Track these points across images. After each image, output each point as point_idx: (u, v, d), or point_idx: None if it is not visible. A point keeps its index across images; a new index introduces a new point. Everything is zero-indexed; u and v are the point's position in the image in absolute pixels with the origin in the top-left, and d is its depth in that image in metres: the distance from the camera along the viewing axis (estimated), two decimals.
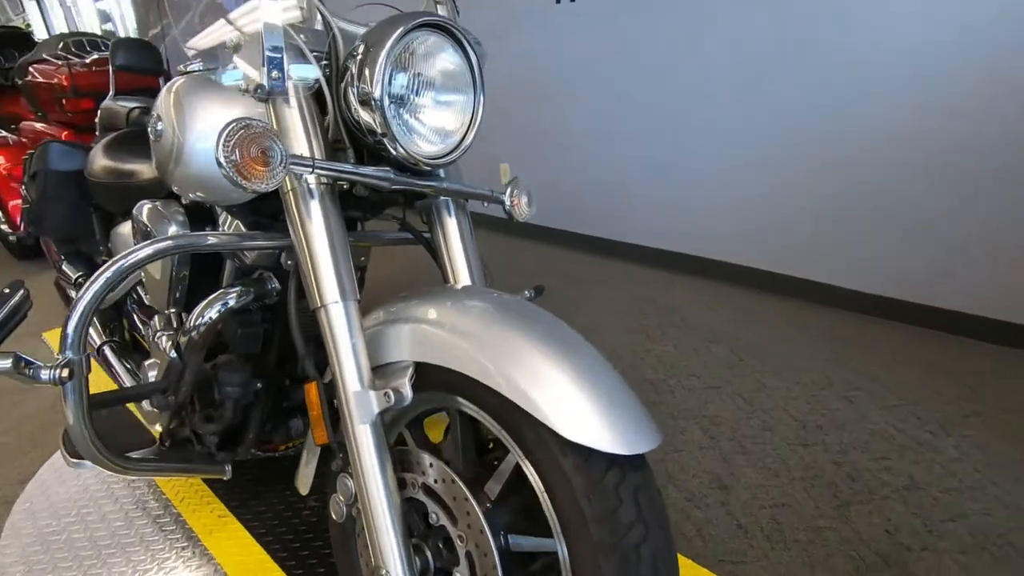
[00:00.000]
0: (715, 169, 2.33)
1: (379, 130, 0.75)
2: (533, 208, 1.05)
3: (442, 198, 0.94)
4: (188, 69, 1.03)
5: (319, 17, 0.84)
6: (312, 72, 0.80)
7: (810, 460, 1.42)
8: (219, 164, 0.63)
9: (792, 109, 2.07)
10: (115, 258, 0.77)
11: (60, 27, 7.65)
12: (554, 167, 2.88)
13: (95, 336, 1.46)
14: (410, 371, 0.73)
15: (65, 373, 0.73)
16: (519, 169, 3.09)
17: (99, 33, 6.06)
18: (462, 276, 0.93)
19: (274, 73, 0.74)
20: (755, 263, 2.34)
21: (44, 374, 0.72)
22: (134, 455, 0.91)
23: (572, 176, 2.84)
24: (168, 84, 0.98)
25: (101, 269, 0.77)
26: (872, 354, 1.87)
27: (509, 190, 1.01)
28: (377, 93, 0.73)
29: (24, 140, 3.18)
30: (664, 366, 1.87)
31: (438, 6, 1.02)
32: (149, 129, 1.00)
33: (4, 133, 3.32)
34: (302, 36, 0.86)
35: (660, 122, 2.44)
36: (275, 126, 0.78)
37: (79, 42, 3.18)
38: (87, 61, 2.99)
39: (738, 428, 1.55)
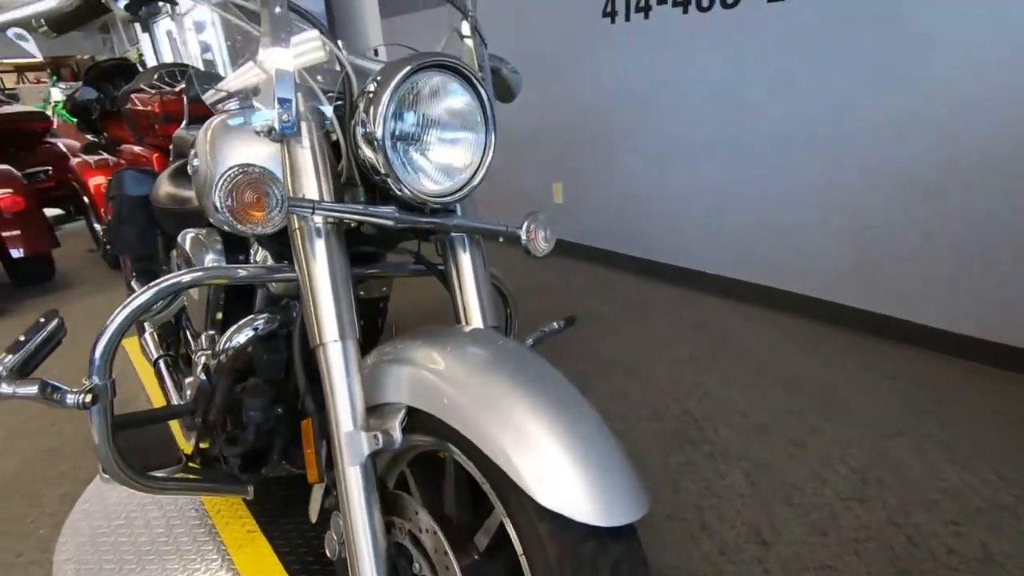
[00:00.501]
0: (782, 194, 2.20)
1: (382, 170, 0.76)
2: (551, 244, 1.02)
3: (454, 233, 0.93)
4: (225, 108, 1.09)
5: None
6: (324, 112, 0.82)
7: (866, 519, 1.28)
8: (216, 209, 0.66)
9: (870, 133, 1.92)
10: (140, 290, 0.82)
11: (167, 58, 8.44)
12: (611, 187, 2.83)
13: (152, 349, 1.56)
14: (402, 414, 0.73)
15: (88, 399, 0.78)
16: (574, 189, 3.06)
17: (198, 64, 6.63)
18: (473, 315, 0.92)
19: (284, 116, 0.76)
20: (820, 294, 2.18)
21: (70, 399, 0.77)
22: (158, 474, 0.96)
23: (628, 197, 2.77)
24: (207, 122, 1.04)
25: (129, 299, 0.82)
26: (952, 401, 1.68)
27: (526, 225, 0.98)
28: (379, 133, 0.74)
29: (122, 162, 3.51)
30: (710, 400, 1.77)
31: (464, 39, 1.03)
32: (189, 162, 1.07)
33: (108, 156, 3.68)
34: (320, 77, 0.88)
35: (723, 146, 2.34)
36: (288, 166, 0.81)
37: (172, 72, 3.48)
38: (176, 90, 3.26)
39: (786, 476, 1.43)
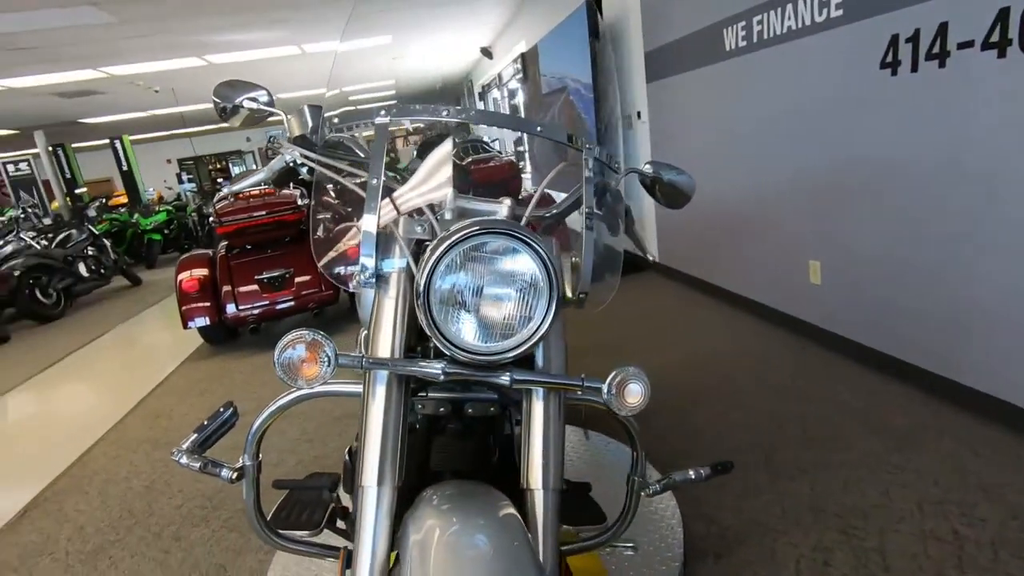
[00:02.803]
0: None
1: (426, 329, 0.79)
2: (644, 402, 0.88)
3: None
4: None
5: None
6: (400, 264, 0.90)
7: None
8: (275, 365, 0.78)
9: None
10: (286, 394, 1.02)
11: None
12: (888, 273, 2.24)
13: None
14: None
15: (235, 476, 1.02)
16: (834, 271, 2.52)
17: None
18: (534, 476, 0.87)
19: (366, 273, 0.87)
20: None
21: (224, 474, 1.01)
22: (287, 533, 1.16)
23: (916, 289, 2.14)
24: None
25: (275, 400, 1.03)
26: None
27: (611, 379, 0.87)
28: (421, 293, 0.77)
29: None
30: None
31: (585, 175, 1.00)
32: None
33: None
34: (420, 228, 0.96)
35: None
36: (373, 313, 0.91)
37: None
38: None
39: None
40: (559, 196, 1.15)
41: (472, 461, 1.01)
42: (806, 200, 2.60)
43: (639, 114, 4.07)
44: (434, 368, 0.81)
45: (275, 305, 3.85)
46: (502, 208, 0.95)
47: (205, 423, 1.04)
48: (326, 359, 0.78)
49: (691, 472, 1.23)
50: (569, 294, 0.98)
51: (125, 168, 11.26)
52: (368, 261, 0.87)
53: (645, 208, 4.22)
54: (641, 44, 3.83)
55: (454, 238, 0.78)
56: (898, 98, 2.02)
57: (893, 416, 2.04)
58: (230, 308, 3.79)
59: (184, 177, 15.39)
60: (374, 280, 0.88)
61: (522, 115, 6.99)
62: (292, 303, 3.87)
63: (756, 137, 2.87)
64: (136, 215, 8.86)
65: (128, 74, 6.81)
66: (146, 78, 7.17)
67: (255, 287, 3.84)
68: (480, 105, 10.75)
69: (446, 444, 1.03)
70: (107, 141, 11.22)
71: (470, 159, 4.74)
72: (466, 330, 0.80)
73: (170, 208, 9.57)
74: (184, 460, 0.99)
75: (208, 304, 3.78)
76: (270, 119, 1.13)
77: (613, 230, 1.17)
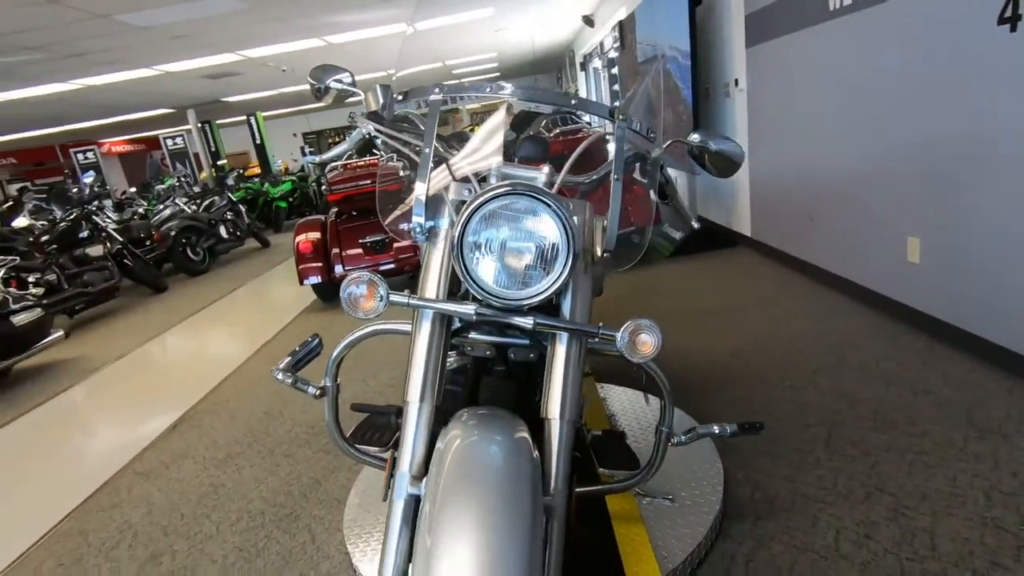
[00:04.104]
0: None
1: (459, 274, 0.94)
2: (654, 351, 0.98)
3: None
4: None
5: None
6: (447, 223, 1.05)
7: None
8: (341, 299, 0.97)
9: None
10: (362, 328, 1.22)
11: None
12: (992, 253, 2.06)
13: None
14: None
15: (318, 393, 1.25)
16: (935, 249, 2.33)
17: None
18: (552, 407, 1.00)
19: (417, 229, 1.03)
20: None
21: (309, 390, 1.25)
22: (361, 447, 1.38)
23: (1019, 273, 1.96)
24: None
25: (353, 333, 1.24)
26: None
27: (624, 328, 0.98)
28: (456, 244, 0.92)
29: None
30: None
31: (610, 142, 1.09)
32: None
33: None
34: (467, 191, 1.10)
35: None
36: (424, 261, 1.08)
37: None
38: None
39: None
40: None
41: (513, 400, 1.16)
42: (907, 172, 2.41)
43: (736, 81, 3.90)
44: (467, 309, 0.96)
45: (377, 267, 4.21)
46: (540, 175, 1.07)
47: (296, 349, 1.29)
48: (380, 296, 0.96)
49: (716, 427, 1.30)
50: (599, 252, 1.08)
51: (258, 142, 12.51)
52: (419, 219, 1.03)
53: (738, 184, 4.07)
54: (742, 3, 3.65)
55: (484, 197, 0.91)
56: (1018, 58, 1.83)
57: (983, 407, 1.91)
58: (338, 268, 4.22)
59: (307, 150, 16.77)
60: (424, 235, 1.04)
61: (618, 85, 6.87)
62: (392, 266, 4.23)
63: (856, 104, 2.68)
64: (266, 184, 9.88)
65: (260, 56, 7.57)
66: (276, 59, 7.91)
67: (360, 250, 4.24)
68: (581, 75, 10.63)
69: (490, 383, 1.19)
70: (244, 117, 12.51)
71: (558, 130, 4.81)
72: (490, 276, 0.94)
73: (294, 179, 10.55)
74: (279, 376, 1.24)
75: (320, 264, 4.24)
76: (351, 99, 1.32)
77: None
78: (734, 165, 1.32)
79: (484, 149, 1.13)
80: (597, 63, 9.08)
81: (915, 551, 1.38)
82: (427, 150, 1.05)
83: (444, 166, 1.13)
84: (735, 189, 4.19)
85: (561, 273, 0.93)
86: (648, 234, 1.26)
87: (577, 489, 1.20)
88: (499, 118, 1.14)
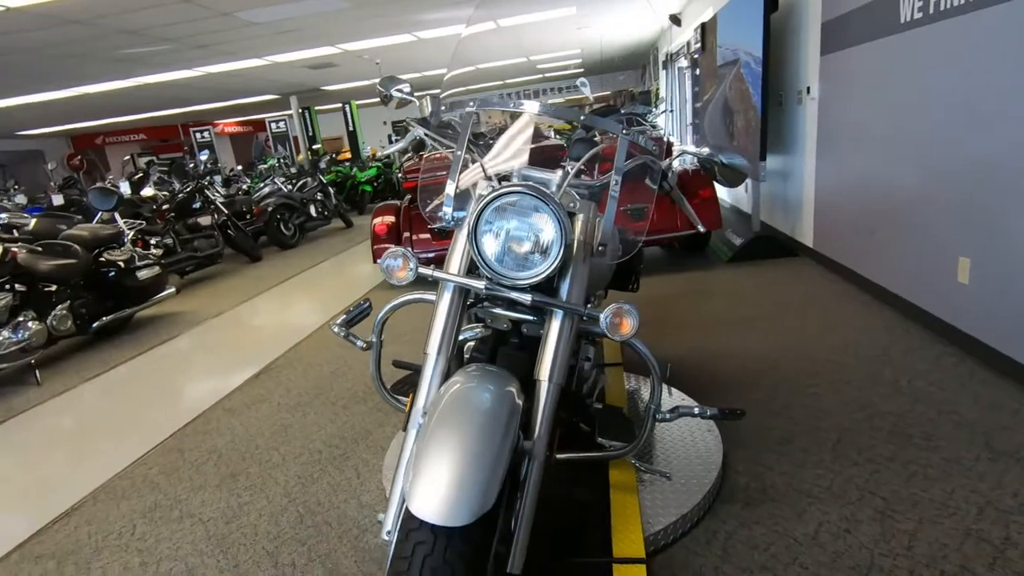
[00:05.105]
0: None
1: (473, 255, 1.17)
2: (632, 332, 1.17)
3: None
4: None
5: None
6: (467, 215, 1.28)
7: None
8: (381, 268, 1.23)
9: None
10: (405, 295, 1.48)
11: None
12: None
13: None
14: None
15: (365, 346, 1.52)
16: (985, 270, 2.28)
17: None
18: (543, 370, 1.21)
19: (446, 217, 1.27)
20: None
21: (358, 344, 1.53)
22: (400, 397, 1.65)
23: None
24: None
25: (398, 297, 1.50)
26: None
27: (607, 311, 1.18)
28: (470, 231, 1.15)
29: None
30: None
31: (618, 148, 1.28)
32: None
33: None
34: (490, 188, 1.33)
35: None
36: (453, 243, 1.31)
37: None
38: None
39: None
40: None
41: (524, 367, 1.38)
42: (965, 190, 2.37)
43: (808, 89, 3.85)
44: (478, 283, 1.19)
45: (443, 252, 4.53)
46: (554, 177, 1.28)
47: (351, 309, 1.57)
48: (411, 268, 1.21)
49: (696, 408, 1.46)
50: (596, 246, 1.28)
51: (351, 129, 13.34)
52: (447, 210, 1.27)
53: (804, 194, 4.02)
54: (819, 11, 3.60)
55: (495, 194, 1.14)
56: None
57: (1006, 431, 1.90)
58: None
59: (393, 138, 17.61)
60: (452, 222, 1.28)
61: (698, 87, 6.80)
62: None
63: (922, 118, 2.64)
64: (355, 169, 10.58)
65: (357, 49, 8.15)
66: (370, 52, 8.48)
67: (428, 236, 4.58)
68: (663, 73, 10.50)
69: (505, 352, 1.42)
70: (339, 105, 13.37)
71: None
72: (494, 255, 1.16)
73: (379, 164, 11.21)
74: (335, 329, 1.53)
75: (392, 246, 4.62)
76: (407, 106, 1.58)
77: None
78: (741, 177, 1.47)
79: (509, 151, 1.36)
80: (683, 62, 8.97)
81: (890, 549, 1.47)
82: (459, 152, 1.28)
83: (479, 164, 1.37)
84: (801, 198, 4.13)
85: (555, 259, 1.14)
86: (643, 232, 1.43)
87: (576, 454, 1.42)
88: (523, 123, 1.36)
